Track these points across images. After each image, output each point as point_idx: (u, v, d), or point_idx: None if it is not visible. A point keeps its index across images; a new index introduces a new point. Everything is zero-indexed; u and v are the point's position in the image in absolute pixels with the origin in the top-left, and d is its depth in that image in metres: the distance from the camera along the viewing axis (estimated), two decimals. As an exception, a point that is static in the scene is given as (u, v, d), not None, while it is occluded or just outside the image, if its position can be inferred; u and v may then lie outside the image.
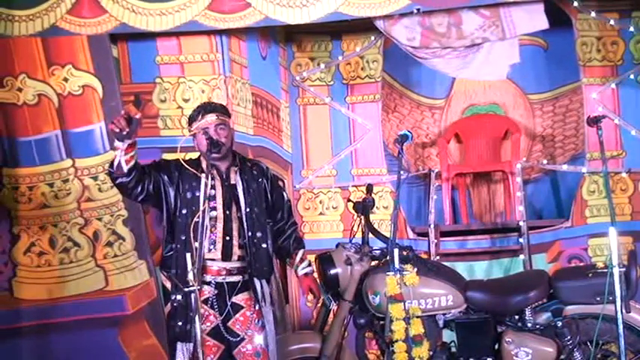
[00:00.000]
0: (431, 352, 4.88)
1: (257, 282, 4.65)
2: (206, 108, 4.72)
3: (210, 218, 4.61)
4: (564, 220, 6.81)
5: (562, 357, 4.95)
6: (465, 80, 7.45)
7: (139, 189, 4.57)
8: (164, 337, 5.64)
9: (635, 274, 4.81)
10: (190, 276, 4.81)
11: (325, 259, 5.11)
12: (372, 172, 7.02)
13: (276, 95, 6.91)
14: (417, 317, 4.77)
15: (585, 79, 6.74)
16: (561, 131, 7.45)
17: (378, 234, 5.17)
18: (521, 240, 6.70)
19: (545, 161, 7.27)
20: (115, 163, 4.50)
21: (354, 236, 5.19)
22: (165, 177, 4.64)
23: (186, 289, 4.88)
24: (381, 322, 4.93)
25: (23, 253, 5.79)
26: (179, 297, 4.49)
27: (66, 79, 5.82)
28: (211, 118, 4.65)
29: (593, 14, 6.53)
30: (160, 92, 6.08)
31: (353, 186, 6.89)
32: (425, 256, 6.39)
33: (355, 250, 5.09)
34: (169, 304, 4.64)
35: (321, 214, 7.03)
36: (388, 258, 4.81)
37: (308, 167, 7.09)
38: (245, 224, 4.66)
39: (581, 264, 6.52)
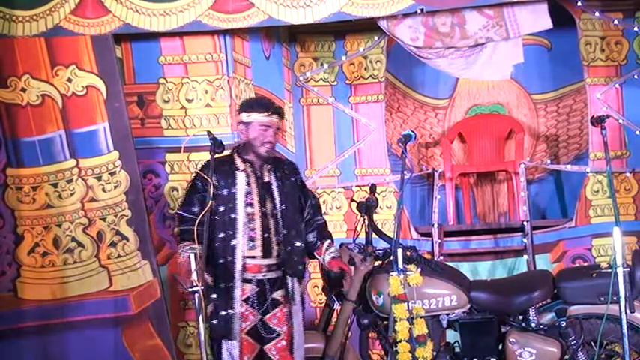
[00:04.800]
0: (434, 352, 4.88)
1: (289, 280, 4.70)
2: (272, 107, 4.81)
3: (247, 214, 4.66)
4: (568, 220, 6.79)
5: (566, 357, 4.94)
6: (468, 80, 7.45)
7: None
8: (168, 338, 5.67)
9: (639, 274, 4.80)
10: (194, 276, 4.83)
11: (328, 259, 5.11)
12: (375, 172, 7.01)
13: (279, 95, 6.90)
14: (421, 317, 4.77)
15: (589, 79, 6.73)
16: (565, 131, 7.45)
17: (381, 234, 5.17)
18: (524, 240, 6.68)
19: (548, 161, 7.26)
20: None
21: (357, 236, 5.20)
22: (206, 193, 4.66)
23: (189, 290, 4.91)
24: (385, 322, 4.93)
25: (27, 254, 5.80)
26: (214, 295, 4.57)
27: (70, 80, 5.82)
28: (276, 120, 4.77)
29: (596, 14, 6.52)
30: (163, 92, 6.09)
31: (356, 186, 6.89)
32: (428, 256, 6.38)
33: (359, 250, 5.09)
34: (211, 304, 4.66)
35: (324, 214, 7.01)
36: (392, 258, 4.81)
37: (311, 167, 7.08)
38: (281, 221, 4.71)
39: (585, 264, 6.51)
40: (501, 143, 7.46)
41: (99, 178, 5.80)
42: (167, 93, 6.08)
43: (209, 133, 5.22)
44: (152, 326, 5.72)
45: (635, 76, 6.62)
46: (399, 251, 4.71)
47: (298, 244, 4.77)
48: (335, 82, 7.12)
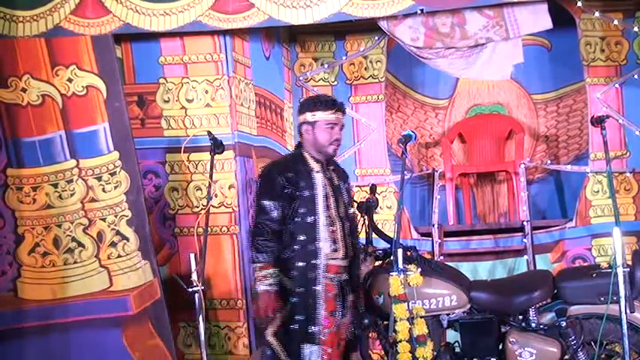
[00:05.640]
0: (434, 353, 4.88)
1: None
2: (337, 104, 4.77)
3: (328, 217, 4.65)
4: (568, 220, 6.80)
5: (566, 357, 4.94)
6: (468, 80, 7.45)
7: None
8: (168, 338, 5.66)
9: (639, 274, 4.80)
10: (194, 277, 4.83)
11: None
12: (375, 172, 7.02)
13: (279, 95, 6.91)
14: (421, 317, 4.77)
15: (589, 79, 6.74)
16: (565, 131, 7.45)
17: (381, 234, 5.17)
18: (525, 240, 6.69)
19: (549, 161, 7.26)
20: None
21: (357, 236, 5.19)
22: (287, 200, 4.63)
23: (189, 290, 4.90)
24: (385, 323, 4.93)
25: (27, 254, 5.80)
26: (294, 299, 4.57)
27: (70, 80, 5.82)
28: (341, 117, 4.74)
29: (597, 14, 6.52)
30: (163, 92, 6.09)
31: (357, 186, 6.88)
32: (428, 257, 6.38)
33: (359, 250, 5.09)
34: (287, 308, 4.64)
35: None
36: (392, 258, 4.81)
37: (312, 167, 7.08)
38: (348, 224, 4.75)
39: (585, 264, 6.51)
40: (501, 143, 7.46)
41: (99, 179, 5.80)
42: (167, 93, 6.08)
43: (209, 133, 5.24)
44: (152, 326, 5.72)
45: (635, 76, 6.62)
46: (399, 251, 4.70)
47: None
48: (335, 82, 7.12)
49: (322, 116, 4.69)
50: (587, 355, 4.92)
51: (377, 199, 5.29)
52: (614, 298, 4.66)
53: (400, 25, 6.23)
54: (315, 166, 4.71)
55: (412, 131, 5.02)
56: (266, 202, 4.63)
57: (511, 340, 4.92)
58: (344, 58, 7.06)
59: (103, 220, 5.80)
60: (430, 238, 6.83)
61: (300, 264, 4.60)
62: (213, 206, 5.80)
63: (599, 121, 5.02)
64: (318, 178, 4.68)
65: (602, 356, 4.99)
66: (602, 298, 4.80)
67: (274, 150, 6.69)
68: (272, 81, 6.78)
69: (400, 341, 4.68)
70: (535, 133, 7.53)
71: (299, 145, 4.84)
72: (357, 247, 4.85)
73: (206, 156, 5.39)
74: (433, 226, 6.86)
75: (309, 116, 4.72)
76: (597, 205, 6.67)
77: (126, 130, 5.78)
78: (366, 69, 7.11)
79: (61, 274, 5.79)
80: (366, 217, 5.16)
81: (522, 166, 7.02)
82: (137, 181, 5.77)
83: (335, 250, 4.66)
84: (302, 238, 4.60)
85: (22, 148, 5.79)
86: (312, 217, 4.60)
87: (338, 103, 4.78)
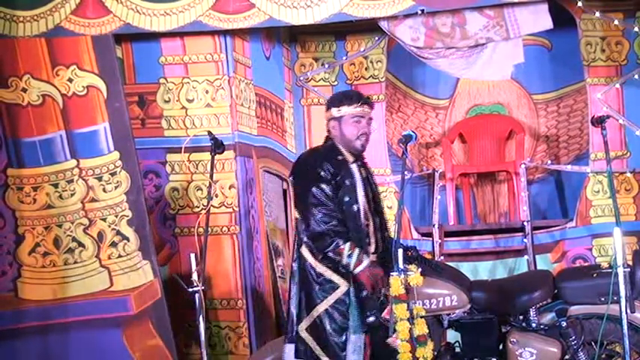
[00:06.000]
0: (435, 353, 4.87)
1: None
2: (367, 100, 4.74)
3: (363, 209, 4.62)
4: (568, 220, 6.80)
5: (566, 357, 4.94)
6: (469, 80, 7.45)
7: None
8: (168, 338, 5.66)
9: (639, 274, 4.80)
10: (195, 276, 4.82)
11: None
12: (376, 173, 6.99)
13: (280, 95, 6.91)
14: (421, 317, 4.76)
15: (589, 79, 6.74)
16: (565, 131, 7.45)
17: (382, 234, 5.16)
18: (525, 240, 6.69)
19: (549, 161, 7.26)
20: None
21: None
22: (334, 186, 4.57)
23: (190, 290, 4.90)
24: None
25: (28, 254, 5.80)
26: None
27: (70, 80, 5.82)
28: (367, 110, 4.69)
29: (597, 14, 6.52)
30: (164, 92, 6.09)
31: (357, 186, 6.88)
32: (429, 257, 6.38)
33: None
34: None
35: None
36: (392, 258, 4.80)
37: (312, 167, 7.08)
38: (379, 219, 4.71)
39: (586, 264, 6.51)
40: (502, 143, 7.46)
41: (99, 179, 5.80)
42: (167, 93, 6.09)
43: (209, 133, 5.24)
44: (152, 326, 5.72)
45: (636, 77, 6.62)
46: (400, 251, 4.69)
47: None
48: (335, 83, 7.12)
49: (348, 110, 4.66)
50: (588, 355, 4.92)
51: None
52: (615, 298, 4.66)
53: (400, 25, 6.23)
54: (349, 157, 4.68)
55: (412, 131, 5.00)
56: (319, 189, 4.54)
57: (511, 340, 4.92)
58: (344, 58, 7.06)
59: (104, 220, 5.80)
60: (430, 238, 6.83)
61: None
62: (214, 206, 5.79)
63: (599, 121, 5.02)
64: (355, 168, 4.65)
65: (603, 356, 4.99)
66: (603, 298, 4.79)
67: (275, 150, 6.70)
68: (272, 81, 6.78)
69: (400, 341, 4.68)
70: (535, 133, 7.53)
71: (328, 139, 4.77)
72: (386, 240, 4.76)
73: (206, 156, 5.39)
74: (433, 226, 6.86)
75: (334, 112, 4.69)
76: (598, 205, 6.67)
77: (126, 130, 5.78)
78: (366, 69, 7.11)
79: (61, 274, 5.79)
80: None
81: (523, 166, 7.01)
82: (137, 181, 5.77)
83: (368, 244, 4.63)
84: (350, 225, 4.55)
85: (22, 148, 5.79)
86: (356, 206, 4.57)
87: (363, 97, 4.76)
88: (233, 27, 5.98)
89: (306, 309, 4.58)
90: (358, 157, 4.77)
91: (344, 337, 4.54)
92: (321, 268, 4.55)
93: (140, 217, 5.77)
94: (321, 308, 4.55)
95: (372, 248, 4.68)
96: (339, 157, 4.64)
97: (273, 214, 6.65)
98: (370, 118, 4.74)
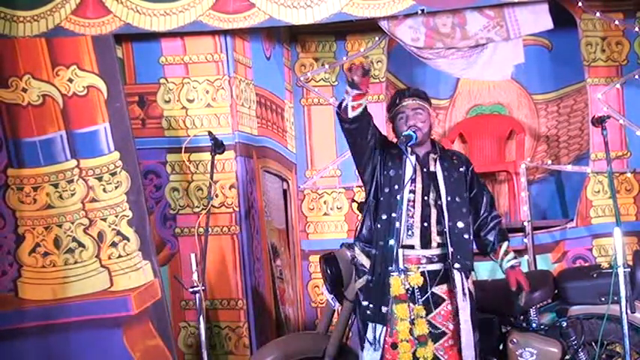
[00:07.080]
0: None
1: (457, 274, 4.57)
2: (405, 92, 4.77)
3: (409, 200, 4.59)
4: (569, 220, 6.80)
5: (567, 357, 4.95)
6: (469, 80, 7.45)
7: (362, 138, 4.58)
8: (169, 338, 5.66)
9: (639, 275, 4.80)
10: (195, 276, 4.82)
11: (329, 260, 5.10)
12: (376, 173, 7.00)
13: (280, 96, 6.91)
14: (422, 317, 4.76)
15: (590, 80, 6.74)
16: (566, 131, 7.45)
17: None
18: (525, 240, 6.69)
19: (549, 161, 7.26)
20: (342, 105, 4.48)
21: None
22: (380, 147, 4.65)
23: (190, 290, 4.90)
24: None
25: (28, 254, 5.80)
26: (369, 277, 4.53)
27: (70, 80, 5.82)
28: (409, 102, 4.70)
29: (597, 14, 6.52)
30: (164, 93, 6.09)
31: (357, 186, 6.88)
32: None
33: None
34: (364, 280, 4.60)
35: (325, 214, 7.02)
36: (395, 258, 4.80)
37: (312, 168, 7.09)
38: (446, 213, 4.59)
39: (586, 264, 6.51)
40: (502, 143, 7.45)
41: (100, 179, 5.80)
42: (168, 93, 6.09)
43: (210, 133, 5.24)
44: (153, 326, 5.72)
45: (636, 77, 6.62)
46: (400, 251, 4.69)
47: (466, 236, 4.62)
48: (336, 83, 7.12)
49: (396, 110, 4.72)
50: (588, 355, 4.93)
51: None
52: (615, 298, 4.66)
53: (401, 25, 6.22)
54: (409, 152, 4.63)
55: (413, 131, 5.01)
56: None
57: (512, 340, 4.92)
58: (345, 58, 7.06)
59: (104, 220, 5.79)
60: (431, 239, 6.81)
61: (380, 243, 4.54)
62: (214, 206, 5.79)
63: (599, 122, 5.02)
64: (409, 162, 4.60)
65: (603, 356, 4.99)
66: (603, 299, 4.80)
67: (275, 150, 6.69)
68: (273, 81, 6.78)
69: (401, 341, 4.67)
70: (536, 134, 7.53)
71: None
72: (461, 236, 4.60)
73: (207, 156, 5.40)
74: (434, 226, 6.85)
75: (390, 115, 4.78)
76: (598, 205, 6.67)
77: (126, 131, 5.78)
78: (366, 69, 7.10)
79: (61, 274, 5.79)
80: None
81: (523, 166, 7.02)
82: (138, 181, 5.77)
83: (410, 237, 4.59)
84: (384, 217, 4.54)
85: (22, 148, 5.79)
86: (396, 198, 4.54)
87: (407, 92, 4.80)
88: (233, 27, 5.98)
89: None
90: (435, 151, 4.79)
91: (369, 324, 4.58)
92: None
93: (140, 218, 5.77)
94: None
95: (417, 241, 4.60)
96: (397, 152, 4.66)
97: (272, 214, 6.65)
98: (417, 108, 4.72)
